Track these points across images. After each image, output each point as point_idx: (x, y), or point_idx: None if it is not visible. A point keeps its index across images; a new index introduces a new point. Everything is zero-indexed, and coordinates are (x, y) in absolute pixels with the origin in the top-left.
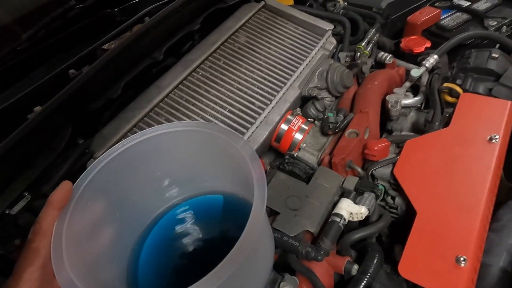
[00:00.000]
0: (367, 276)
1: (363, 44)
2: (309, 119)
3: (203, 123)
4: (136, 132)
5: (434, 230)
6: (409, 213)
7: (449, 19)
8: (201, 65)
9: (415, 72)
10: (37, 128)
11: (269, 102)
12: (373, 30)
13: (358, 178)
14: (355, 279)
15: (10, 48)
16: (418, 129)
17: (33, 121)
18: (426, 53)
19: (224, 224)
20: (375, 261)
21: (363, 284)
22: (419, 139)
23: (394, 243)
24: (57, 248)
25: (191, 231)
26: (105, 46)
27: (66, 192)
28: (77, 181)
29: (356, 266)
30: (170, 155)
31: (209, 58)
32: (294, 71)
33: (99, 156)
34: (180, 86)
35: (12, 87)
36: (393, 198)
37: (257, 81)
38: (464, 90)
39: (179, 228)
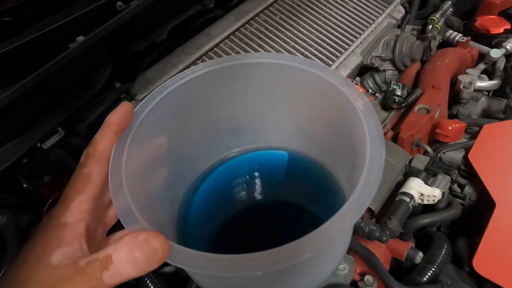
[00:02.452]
0: (434, 266)
1: (437, 15)
2: (369, 91)
3: (298, 57)
4: None
5: None
6: (482, 205)
7: None
8: (256, 17)
9: (495, 53)
10: (77, 60)
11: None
12: (449, 2)
13: (429, 158)
14: (420, 267)
15: None
16: (490, 117)
17: (74, 51)
18: (505, 35)
19: (285, 185)
20: (444, 251)
21: (429, 274)
22: (500, 124)
23: (455, 235)
24: (116, 175)
25: (247, 188)
26: None
27: (126, 114)
28: (139, 105)
29: (421, 254)
30: (242, 94)
31: (265, 11)
32: (357, 37)
33: (140, 99)
34: (231, 36)
35: (55, 14)
36: (461, 186)
37: (316, 42)
38: None
39: (234, 183)
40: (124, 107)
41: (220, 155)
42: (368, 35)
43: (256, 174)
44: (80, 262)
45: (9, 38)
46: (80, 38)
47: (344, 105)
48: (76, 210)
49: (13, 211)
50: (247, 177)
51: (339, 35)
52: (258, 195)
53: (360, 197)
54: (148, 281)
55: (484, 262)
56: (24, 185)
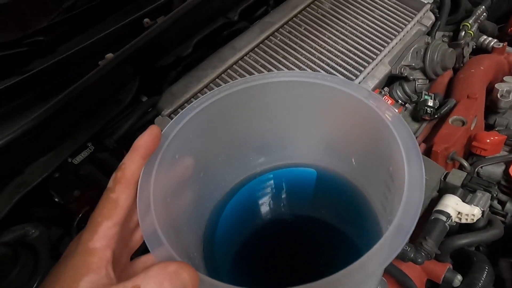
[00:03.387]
0: None
1: (470, 21)
2: (399, 101)
3: (321, 74)
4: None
5: None
6: None
7: None
8: (280, 29)
9: None
10: (106, 76)
11: (354, 78)
12: (483, 7)
13: (466, 173)
14: None
15: None
16: None
17: (104, 68)
18: None
19: (314, 204)
20: (485, 274)
21: None
22: None
23: (496, 255)
24: (144, 199)
25: (274, 206)
26: None
27: (154, 138)
28: (166, 127)
29: (459, 277)
30: (268, 112)
31: (289, 22)
32: (384, 46)
33: (166, 114)
34: (256, 49)
35: (85, 32)
36: (502, 203)
37: (342, 52)
38: None
39: (261, 201)
40: (152, 130)
41: (247, 173)
42: (396, 43)
43: (283, 191)
44: None
45: (42, 56)
46: (109, 55)
47: (372, 119)
48: (103, 235)
49: (45, 225)
50: (274, 195)
51: (366, 45)
52: (285, 214)
53: (401, 226)
54: None
55: None
56: (56, 199)
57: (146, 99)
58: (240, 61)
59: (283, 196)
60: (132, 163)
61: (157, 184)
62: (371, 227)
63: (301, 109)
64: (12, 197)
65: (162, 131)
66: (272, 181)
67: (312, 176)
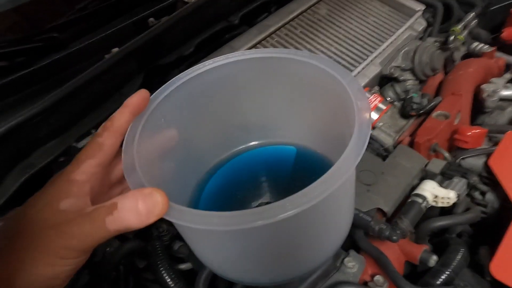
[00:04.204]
0: (449, 270)
1: (458, 27)
2: (388, 99)
3: (305, 52)
4: None
5: None
6: (503, 212)
7: None
8: (277, 31)
9: None
10: (111, 69)
11: None
12: (472, 13)
13: (445, 162)
14: (434, 271)
15: None
16: None
17: (109, 61)
18: None
19: (293, 179)
20: (460, 255)
21: (443, 277)
22: None
23: (477, 244)
24: (129, 150)
25: (255, 182)
26: None
27: (143, 99)
28: (154, 93)
29: (435, 257)
30: (250, 89)
31: (286, 25)
32: (376, 48)
33: (156, 91)
34: (253, 49)
35: (96, 31)
36: (483, 193)
37: (334, 53)
38: None
39: (243, 178)
40: (141, 92)
41: (230, 150)
42: (387, 46)
43: (265, 168)
44: (87, 209)
45: (56, 51)
46: (115, 50)
47: (347, 102)
48: (85, 171)
49: None
50: (256, 171)
51: (359, 47)
52: (266, 190)
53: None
54: (164, 273)
55: (502, 266)
56: None
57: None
58: None
59: (265, 172)
60: (121, 115)
61: (142, 142)
62: None
63: (283, 88)
64: (19, 178)
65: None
66: (253, 158)
67: (292, 153)
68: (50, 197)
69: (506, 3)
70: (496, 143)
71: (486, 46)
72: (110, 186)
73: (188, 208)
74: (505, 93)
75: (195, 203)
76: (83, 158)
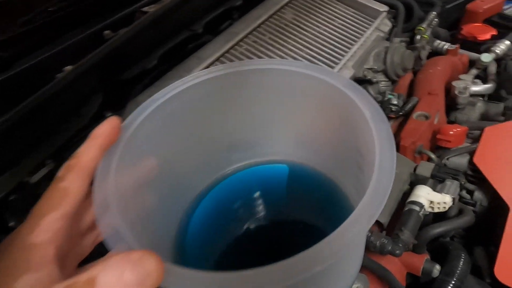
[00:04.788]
0: (454, 279)
1: (423, 25)
2: None
3: (289, 61)
4: None
5: None
6: (494, 209)
7: None
8: (245, 38)
9: (486, 57)
10: (64, 90)
11: None
12: (434, 13)
13: (434, 164)
14: (439, 281)
15: (43, 7)
16: (489, 120)
17: (62, 81)
18: (492, 41)
19: (288, 200)
20: (462, 261)
21: (449, 287)
22: (501, 126)
23: (470, 244)
24: (102, 192)
25: (247, 206)
26: (145, 9)
27: (114, 128)
28: (127, 119)
29: (438, 267)
30: (240, 104)
31: (253, 32)
32: (346, 51)
33: (129, 117)
34: (221, 58)
35: (44, 47)
36: (470, 192)
37: (306, 59)
38: None
39: (233, 201)
40: (111, 120)
41: (218, 173)
42: (358, 48)
43: (256, 190)
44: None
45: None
46: (68, 68)
47: (349, 109)
48: (47, 228)
49: None
50: (247, 194)
51: (329, 51)
52: (259, 213)
53: (372, 199)
54: None
55: (506, 270)
56: (10, 224)
57: (110, 114)
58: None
59: (256, 195)
60: (88, 151)
61: (118, 179)
62: (342, 211)
63: (274, 100)
64: None
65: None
66: (243, 180)
67: (284, 172)
68: (5, 276)
69: (461, 1)
70: (474, 139)
71: (448, 44)
72: (81, 236)
73: (189, 270)
74: (475, 89)
75: (182, 236)
76: (43, 212)
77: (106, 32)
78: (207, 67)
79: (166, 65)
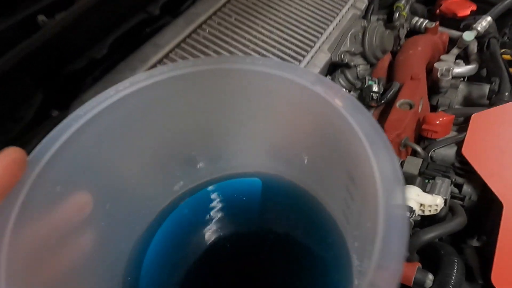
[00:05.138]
0: None
1: (402, 2)
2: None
3: (250, 57)
4: None
5: None
6: (484, 204)
7: None
8: (208, 20)
9: (468, 35)
10: None
11: None
12: None
13: (421, 160)
14: None
15: None
16: (472, 104)
17: None
18: (472, 17)
19: (262, 220)
20: (456, 269)
21: None
22: (489, 112)
23: (458, 241)
24: None
25: (215, 230)
26: None
27: (12, 166)
28: (39, 145)
29: (430, 276)
30: (201, 108)
31: (218, 13)
32: (321, 32)
33: (41, 143)
34: (182, 45)
35: None
36: (458, 186)
37: (278, 42)
38: None
39: (198, 226)
40: (8, 154)
41: (176, 193)
42: (333, 29)
43: (224, 209)
44: None
45: None
46: None
47: (320, 107)
48: None
49: None
50: (213, 215)
51: (303, 32)
52: (230, 237)
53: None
54: None
55: (503, 275)
56: None
57: (57, 113)
58: (164, 59)
59: (224, 215)
60: None
61: (22, 237)
62: (331, 236)
63: (236, 104)
64: None
65: (29, 154)
66: (208, 199)
67: (256, 186)
68: None
69: None
70: (459, 126)
71: (427, 21)
72: None
73: None
74: (458, 70)
75: (134, 276)
76: None
77: (41, 17)
78: (166, 55)
79: (120, 54)
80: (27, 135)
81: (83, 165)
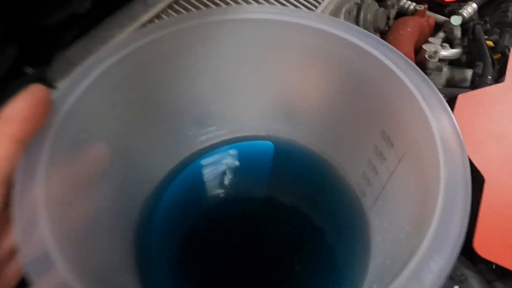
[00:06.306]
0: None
1: None
2: None
3: (270, 6)
4: None
5: (507, 200)
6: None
7: None
8: None
9: (456, 20)
10: None
11: None
12: None
13: None
14: None
15: None
16: (455, 87)
17: None
18: (457, 4)
19: (275, 186)
20: None
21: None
22: (473, 94)
23: None
24: (25, 207)
25: (225, 195)
26: None
27: (38, 106)
28: (62, 88)
29: None
30: (206, 66)
31: None
32: (316, 6)
33: (61, 86)
34: (174, 5)
35: None
36: None
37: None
38: (503, 46)
39: (203, 191)
40: (33, 92)
41: (185, 153)
42: (328, 3)
43: (234, 174)
44: None
45: None
46: None
47: (355, 56)
48: None
49: None
50: (222, 180)
51: (299, 5)
52: (239, 202)
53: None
54: None
55: (484, 243)
56: None
57: (31, 70)
58: (155, 19)
59: (234, 180)
60: None
61: (50, 182)
62: (350, 213)
63: (248, 60)
64: None
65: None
66: (217, 162)
67: (268, 150)
68: None
69: None
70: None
71: (415, 4)
72: (1, 266)
73: None
74: (444, 53)
75: (143, 235)
76: None
77: None
78: (157, 15)
79: (104, 10)
80: (1, 90)
81: (103, 117)
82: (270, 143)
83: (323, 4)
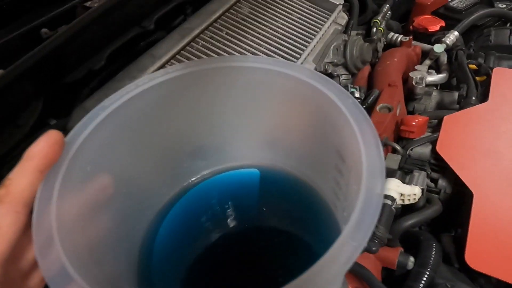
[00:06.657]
0: (429, 269)
1: (379, 18)
2: None
3: (253, 57)
4: None
5: (496, 213)
6: (458, 196)
7: (458, 1)
8: (201, 34)
9: (438, 48)
10: None
11: None
12: (387, 5)
13: (400, 156)
14: (414, 273)
15: None
16: (445, 109)
17: None
18: (442, 32)
19: (261, 208)
20: (434, 251)
21: (424, 278)
22: (458, 114)
23: (436, 231)
24: (43, 226)
25: (217, 217)
26: (87, 4)
27: (54, 145)
28: (71, 131)
29: (412, 259)
30: (200, 106)
31: (210, 28)
32: (306, 46)
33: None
34: (177, 56)
35: None
36: (434, 180)
37: (266, 54)
38: (486, 69)
39: (201, 213)
40: (50, 136)
41: (182, 183)
42: (317, 42)
43: (226, 199)
44: None
45: None
46: (0, 71)
47: (324, 105)
48: None
49: None
50: (216, 204)
51: (289, 45)
52: (231, 223)
53: (361, 219)
54: None
55: (475, 256)
56: None
57: (55, 122)
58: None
59: (226, 204)
60: (22, 177)
61: (63, 207)
62: (327, 225)
63: (236, 101)
64: None
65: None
66: (210, 189)
67: (255, 177)
68: None
69: None
70: (433, 128)
71: (402, 36)
72: (24, 278)
73: None
74: (430, 79)
75: (146, 258)
76: None
77: (44, 30)
78: (162, 66)
79: (115, 65)
80: (26, 141)
81: (108, 152)
82: (256, 170)
83: (312, 44)
